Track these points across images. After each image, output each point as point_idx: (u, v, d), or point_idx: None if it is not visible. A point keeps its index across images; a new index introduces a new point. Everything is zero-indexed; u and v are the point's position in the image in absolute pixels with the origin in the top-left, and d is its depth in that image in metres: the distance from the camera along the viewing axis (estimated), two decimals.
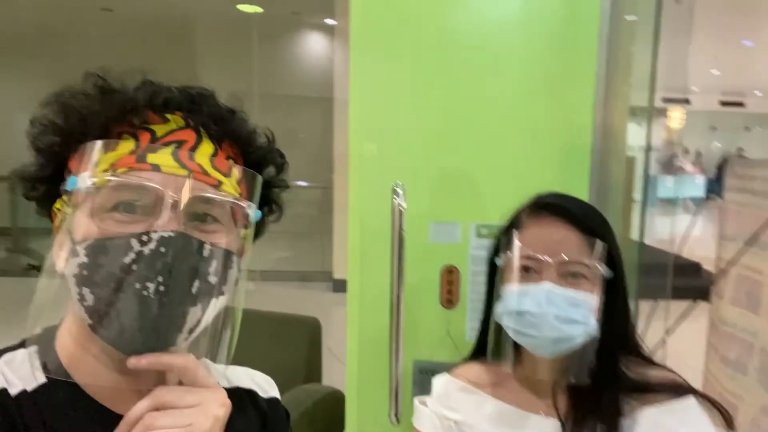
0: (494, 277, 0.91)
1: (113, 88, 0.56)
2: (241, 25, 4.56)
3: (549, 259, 0.81)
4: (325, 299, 5.22)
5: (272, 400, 0.74)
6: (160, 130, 0.56)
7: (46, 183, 0.58)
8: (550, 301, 0.80)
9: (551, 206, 0.86)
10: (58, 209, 0.57)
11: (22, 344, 0.58)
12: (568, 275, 0.82)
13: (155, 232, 0.51)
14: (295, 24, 6.69)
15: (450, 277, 1.25)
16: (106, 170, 0.53)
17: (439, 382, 0.97)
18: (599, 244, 0.82)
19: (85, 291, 0.51)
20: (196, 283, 0.52)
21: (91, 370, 0.56)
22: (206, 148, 0.58)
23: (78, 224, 0.53)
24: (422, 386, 1.20)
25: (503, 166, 1.23)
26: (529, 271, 0.83)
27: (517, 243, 0.85)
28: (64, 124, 0.56)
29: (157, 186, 0.52)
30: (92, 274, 0.51)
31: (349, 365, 1.33)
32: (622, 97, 1.38)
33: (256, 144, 0.64)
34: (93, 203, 0.53)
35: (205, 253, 0.53)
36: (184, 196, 0.53)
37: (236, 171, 0.59)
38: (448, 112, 1.24)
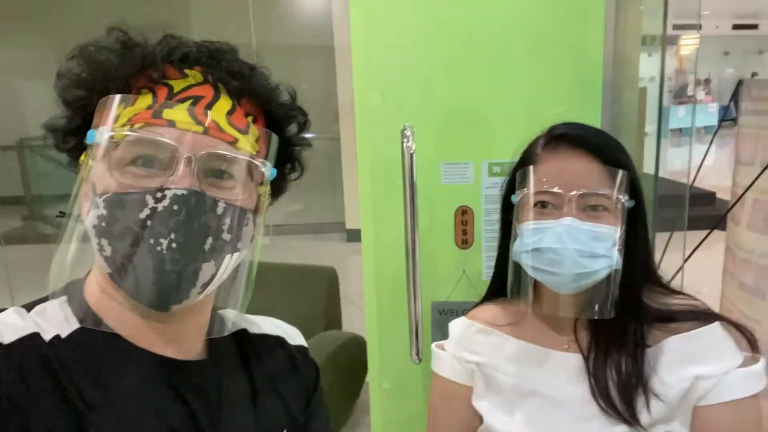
0: (509, 215, 0.88)
1: (134, 43, 0.56)
2: None
3: (569, 193, 0.78)
4: (340, 249, 5.27)
5: (301, 348, 0.76)
6: (177, 85, 0.57)
7: (75, 135, 0.59)
8: (571, 237, 0.77)
9: (568, 137, 0.82)
10: (83, 161, 0.58)
11: (48, 298, 0.58)
12: (589, 208, 0.79)
13: (169, 189, 0.52)
14: None
15: (464, 218, 1.25)
16: (123, 125, 0.54)
17: (457, 325, 0.96)
18: (621, 174, 0.79)
19: (104, 242, 0.52)
20: (209, 240, 0.54)
21: (119, 315, 0.57)
22: (223, 104, 0.57)
23: (98, 177, 0.54)
24: (441, 327, 1.22)
25: (513, 101, 1.21)
26: (547, 207, 0.81)
27: (533, 178, 0.82)
28: (87, 76, 0.56)
29: (170, 141, 0.53)
30: (109, 227, 0.52)
31: (368, 311, 1.35)
32: (634, 24, 1.33)
33: (277, 101, 0.63)
34: (111, 157, 0.54)
35: (219, 210, 0.54)
36: (198, 152, 0.53)
37: (255, 128, 0.59)
38: (454, 50, 1.20)
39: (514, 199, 0.86)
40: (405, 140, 1.11)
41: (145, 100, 0.55)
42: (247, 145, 0.57)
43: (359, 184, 1.30)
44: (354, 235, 5.18)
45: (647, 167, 1.52)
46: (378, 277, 1.32)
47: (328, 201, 5.91)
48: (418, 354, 1.21)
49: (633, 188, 0.82)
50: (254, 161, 0.58)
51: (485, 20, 1.19)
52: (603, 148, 0.81)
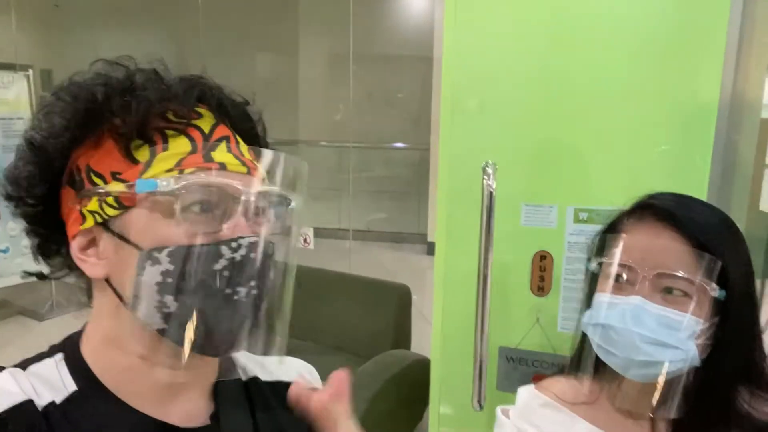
0: (590, 281, 0.82)
1: (144, 80, 0.52)
2: None
3: (643, 270, 0.71)
4: (420, 262, 5.23)
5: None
6: (203, 125, 0.54)
7: (44, 184, 0.53)
8: (636, 319, 0.70)
9: (656, 209, 0.75)
10: (93, 211, 0.52)
11: (46, 354, 0.56)
12: (666, 291, 0.71)
13: (243, 238, 0.51)
14: None
15: (543, 263, 1.17)
16: (170, 170, 0.51)
17: (523, 393, 0.90)
18: (709, 259, 0.70)
19: (168, 299, 0.50)
20: (280, 280, 0.54)
21: (122, 375, 0.54)
22: (241, 141, 0.57)
23: (146, 228, 0.51)
24: (508, 375, 1.15)
25: (610, 141, 1.11)
26: (621, 281, 0.73)
27: (610, 247, 0.75)
28: (82, 115, 0.51)
29: (238, 186, 0.52)
30: (179, 282, 0.49)
31: (434, 340, 1.31)
32: (759, 55, 1.19)
33: (254, 125, 0.61)
34: (168, 204, 0.51)
35: (273, 251, 0.54)
36: (251, 194, 0.52)
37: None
38: (547, 84, 1.13)
39: (590, 265, 0.79)
40: (486, 177, 1.06)
41: (181, 143, 0.52)
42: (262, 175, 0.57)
43: (437, 212, 1.26)
44: (434, 249, 5.13)
45: (763, 204, 1.37)
46: (447, 307, 1.27)
47: (411, 211, 5.91)
48: (479, 401, 1.14)
49: (729, 278, 0.71)
50: (287, 195, 0.56)
51: (583, 53, 1.11)
52: (694, 226, 0.72)
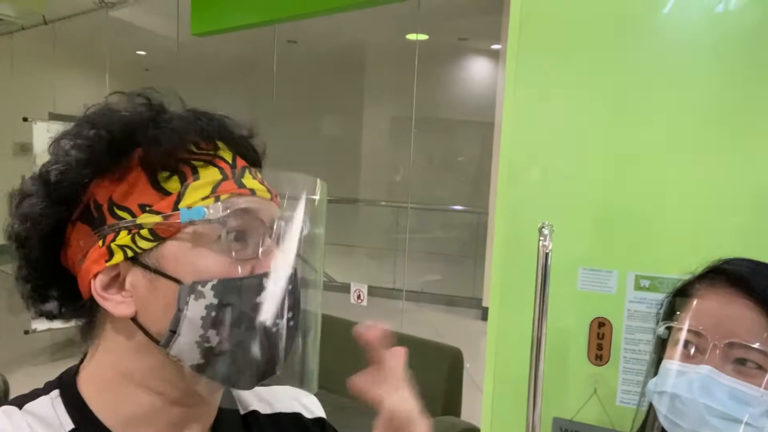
0: (657, 348, 0.78)
1: (168, 114, 0.52)
2: (407, 53, 4.74)
3: (714, 339, 0.67)
4: (474, 327, 5.10)
5: (318, 420, 0.70)
6: (226, 156, 0.54)
7: (57, 220, 0.51)
8: (704, 389, 0.65)
9: (729, 274, 0.71)
10: (124, 246, 0.50)
11: (41, 391, 0.54)
12: (739, 362, 0.67)
13: (280, 269, 0.51)
14: (460, 49, 6.77)
15: (601, 330, 1.12)
16: (206, 197, 0.50)
17: None
18: None
19: (211, 333, 0.49)
20: (312, 307, 0.55)
21: (141, 412, 0.52)
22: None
23: (187, 260, 0.50)
24: None
25: (676, 208, 1.07)
26: (691, 349, 0.70)
27: (680, 311, 0.72)
28: (105, 146, 0.50)
29: (273, 212, 0.53)
30: (222, 315, 0.49)
31: (484, 408, 1.25)
32: None
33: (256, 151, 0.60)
34: (210, 234, 0.50)
35: (310, 278, 0.55)
36: (276, 219, 0.53)
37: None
38: (613, 145, 1.12)
39: (659, 330, 0.76)
40: (542, 238, 1.04)
41: (212, 173, 0.52)
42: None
43: (492, 274, 1.24)
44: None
45: None
46: (498, 373, 1.22)
47: (467, 275, 5.83)
48: None
49: None
50: (307, 220, 0.56)
51: (649, 119, 1.09)
52: None
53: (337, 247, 6.64)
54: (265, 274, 0.50)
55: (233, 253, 0.50)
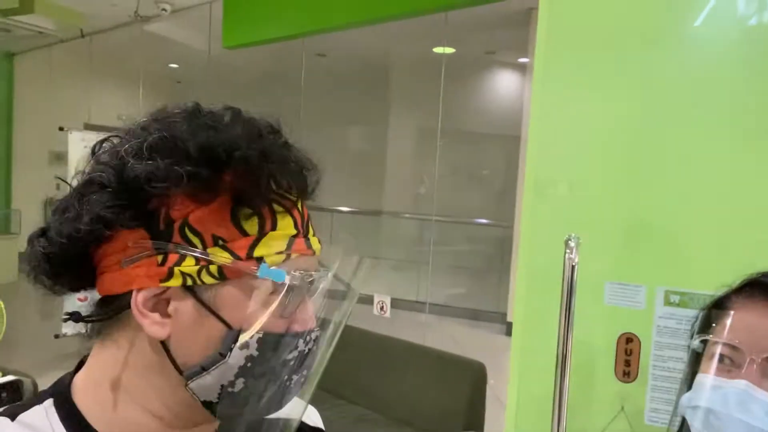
0: (692, 362, 0.77)
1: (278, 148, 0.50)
2: (434, 66, 4.76)
3: (751, 353, 0.65)
4: (497, 342, 5.04)
5: (317, 431, 0.70)
6: (299, 205, 0.52)
7: (122, 215, 0.47)
8: (741, 404, 0.64)
9: (765, 286, 0.70)
10: (186, 273, 0.47)
11: (35, 400, 0.53)
12: None
13: (312, 331, 0.53)
14: (486, 63, 6.77)
15: (629, 347, 1.09)
16: (280, 252, 0.49)
17: None
18: None
19: (239, 381, 0.49)
20: (323, 363, 0.55)
21: (136, 429, 0.52)
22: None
23: (244, 309, 0.49)
24: None
25: (706, 221, 1.05)
26: (727, 363, 0.68)
27: (715, 324, 0.70)
28: (199, 159, 0.46)
29: (316, 267, 0.53)
30: (256, 367, 0.49)
31: (507, 424, 1.23)
32: None
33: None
34: (269, 289, 0.49)
35: (331, 338, 0.55)
36: (328, 283, 0.54)
37: None
38: (642, 158, 1.10)
39: (694, 344, 0.74)
40: (568, 251, 1.03)
41: (288, 224, 0.50)
42: None
43: (516, 288, 1.23)
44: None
45: None
46: (522, 389, 1.20)
47: (491, 289, 5.77)
48: None
49: None
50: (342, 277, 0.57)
51: (678, 131, 1.08)
52: None
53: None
54: (300, 334, 0.52)
55: (284, 312, 0.51)
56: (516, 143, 5.15)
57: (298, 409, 0.55)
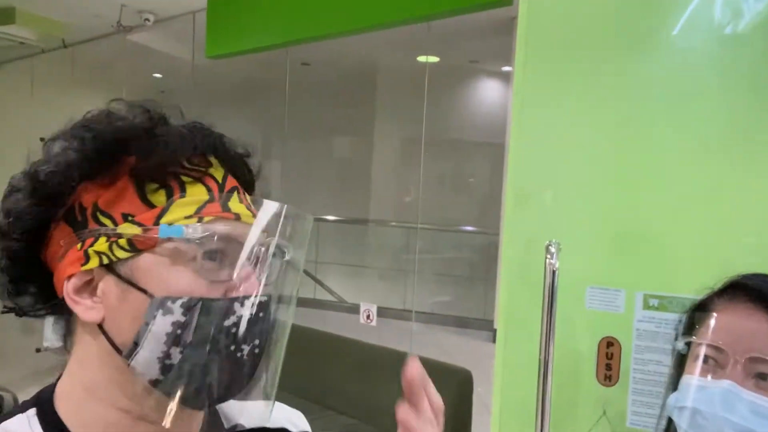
0: (677, 364, 0.78)
1: (167, 127, 0.52)
2: (418, 74, 4.80)
3: (735, 353, 0.67)
4: (484, 349, 5.04)
5: None
6: (217, 176, 0.54)
7: (40, 218, 0.51)
8: (726, 404, 0.65)
9: (749, 289, 0.72)
10: (100, 252, 0.50)
11: (18, 409, 0.53)
12: (761, 377, 0.66)
13: (254, 296, 0.50)
14: (470, 72, 6.83)
15: (609, 350, 1.10)
16: (189, 216, 0.50)
17: None
18: None
19: (174, 350, 0.48)
20: (280, 336, 0.53)
21: (114, 430, 0.52)
22: (244, 191, 0.57)
23: (160, 275, 0.49)
24: None
25: (685, 226, 1.07)
26: (711, 364, 0.70)
27: (699, 326, 0.72)
28: (101, 151, 0.50)
29: (258, 237, 0.51)
30: (188, 334, 0.48)
31: (492, 430, 1.24)
32: None
33: (251, 170, 0.60)
34: (187, 253, 0.50)
35: (283, 307, 0.54)
36: (264, 245, 0.52)
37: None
38: (621, 164, 1.12)
39: (678, 345, 0.76)
40: (549, 257, 1.04)
41: (199, 191, 0.52)
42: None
43: (500, 294, 1.23)
44: None
45: None
46: (506, 395, 1.21)
47: (478, 296, 5.79)
48: None
49: None
50: (289, 246, 0.55)
51: (665, 135, 1.09)
52: None
53: (347, 267, 6.64)
54: (237, 299, 0.50)
55: (207, 275, 0.50)
56: (501, 151, 5.19)
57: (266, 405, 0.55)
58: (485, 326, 5.41)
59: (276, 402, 0.67)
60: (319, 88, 6.94)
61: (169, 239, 0.49)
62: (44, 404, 0.53)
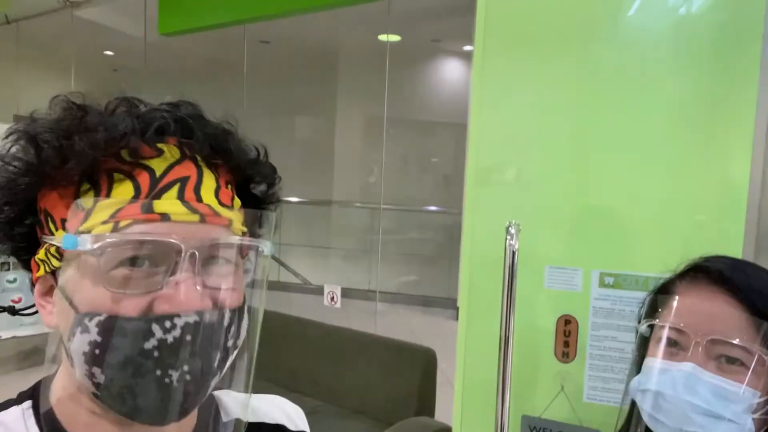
0: (640, 346, 0.79)
1: (96, 118, 0.47)
2: (380, 54, 4.75)
3: (696, 336, 0.67)
4: (449, 327, 5.12)
5: None
6: (157, 166, 0.47)
7: (20, 224, 0.49)
8: (688, 386, 0.66)
9: (710, 272, 0.72)
10: (42, 260, 0.48)
11: (14, 401, 0.52)
12: (722, 359, 0.67)
13: (179, 317, 0.44)
14: (432, 51, 6.80)
15: (567, 328, 1.13)
16: (105, 222, 0.45)
17: None
18: (766, 327, 0.66)
19: (96, 370, 0.45)
20: (218, 355, 0.47)
21: (96, 430, 0.50)
22: (209, 182, 0.49)
23: (80, 289, 0.46)
24: None
25: (640, 206, 1.09)
26: (673, 346, 0.71)
27: (661, 309, 0.72)
28: (35, 160, 0.46)
29: (174, 241, 0.45)
30: (105, 355, 0.44)
31: (455, 407, 1.26)
32: None
33: (251, 162, 0.55)
34: (97, 265, 0.45)
35: (225, 321, 0.48)
36: (199, 246, 0.46)
37: (237, 200, 0.53)
38: (577, 143, 1.14)
39: (641, 329, 0.76)
40: (509, 237, 1.05)
41: (125, 189, 0.46)
42: (239, 223, 0.50)
43: (461, 274, 1.24)
44: None
45: None
46: (469, 374, 1.23)
47: (442, 275, 5.85)
48: None
49: None
50: (258, 244, 0.51)
51: (619, 116, 1.11)
52: (750, 291, 0.69)
53: (312, 249, 6.60)
54: (156, 320, 0.44)
55: (120, 288, 0.44)
56: (463, 131, 5.22)
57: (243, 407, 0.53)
58: (450, 305, 5.49)
59: (277, 396, 0.67)
60: (278, 67, 6.80)
61: (77, 252, 0.45)
62: (39, 397, 0.52)
